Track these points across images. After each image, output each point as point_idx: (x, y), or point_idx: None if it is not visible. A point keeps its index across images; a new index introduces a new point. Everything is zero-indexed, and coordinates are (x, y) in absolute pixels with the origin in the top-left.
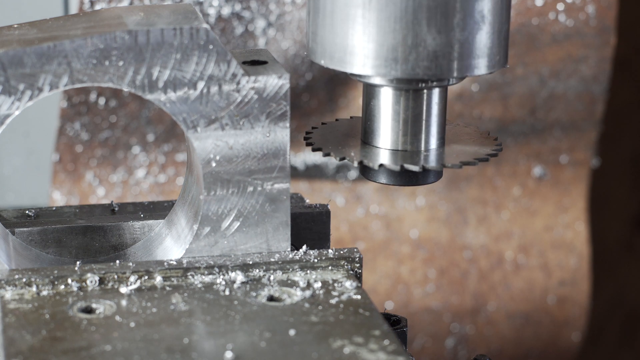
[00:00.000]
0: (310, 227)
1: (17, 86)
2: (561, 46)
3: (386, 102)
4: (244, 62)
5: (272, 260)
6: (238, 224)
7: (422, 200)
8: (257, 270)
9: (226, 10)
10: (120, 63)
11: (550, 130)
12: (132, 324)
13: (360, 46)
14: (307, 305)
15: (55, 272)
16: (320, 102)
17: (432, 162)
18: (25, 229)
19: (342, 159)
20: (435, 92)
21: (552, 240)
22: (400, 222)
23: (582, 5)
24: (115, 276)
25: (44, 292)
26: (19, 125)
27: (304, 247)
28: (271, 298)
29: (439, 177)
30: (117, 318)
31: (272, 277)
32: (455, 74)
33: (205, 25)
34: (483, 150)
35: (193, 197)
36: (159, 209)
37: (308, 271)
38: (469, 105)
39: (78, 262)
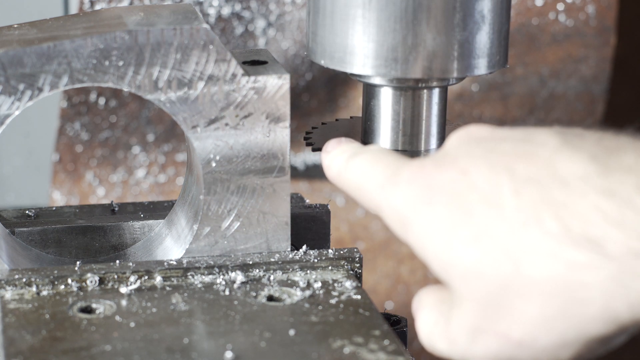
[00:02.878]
0: (310, 227)
1: (17, 86)
2: (561, 46)
3: (386, 102)
4: (244, 62)
5: (272, 260)
6: (238, 224)
7: None
8: (257, 270)
9: (226, 10)
10: (120, 63)
11: None
12: (132, 324)
13: (360, 46)
14: (307, 305)
15: (55, 272)
16: (320, 102)
17: None
18: (25, 229)
19: None
20: (435, 92)
21: None
22: None
23: (582, 5)
24: (115, 276)
25: (44, 292)
26: (19, 125)
27: (304, 247)
28: (271, 298)
29: None
30: (117, 318)
31: (272, 277)
32: (455, 74)
33: (205, 25)
34: None
35: (193, 197)
36: (159, 209)
37: (308, 271)
38: (469, 105)
39: (78, 262)
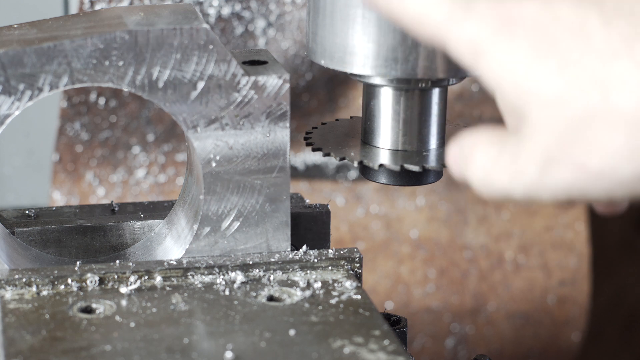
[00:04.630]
0: (310, 227)
1: (17, 86)
2: None
3: (386, 102)
4: (244, 62)
5: (272, 260)
6: (238, 224)
7: (422, 200)
8: (257, 270)
9: (226, 10)
10: (120, 63)
11: None
12: (132, 324)
13: (360, 46)
14: (307, 305)
15: (55, 272)
16: (320, 102)
17: (432, 162)
18: (25, 229)
19: (342, 159)
20: (435, 92)
21: (552, 240)
22: (400, 222)
23: None
24: (115, 276)
25: (44, 292)
26: (19, 125)
27: (304, 247)
28: (271, 298)
29: (439, 177)
30: (117, 318)
31: (272, 277)
32: (455, 74)
33: (205, 25)
34: None
35: (193, 197)
36: (159, 209)
37: (308, 271)
38: (469, 105)
39: (78, 262)
